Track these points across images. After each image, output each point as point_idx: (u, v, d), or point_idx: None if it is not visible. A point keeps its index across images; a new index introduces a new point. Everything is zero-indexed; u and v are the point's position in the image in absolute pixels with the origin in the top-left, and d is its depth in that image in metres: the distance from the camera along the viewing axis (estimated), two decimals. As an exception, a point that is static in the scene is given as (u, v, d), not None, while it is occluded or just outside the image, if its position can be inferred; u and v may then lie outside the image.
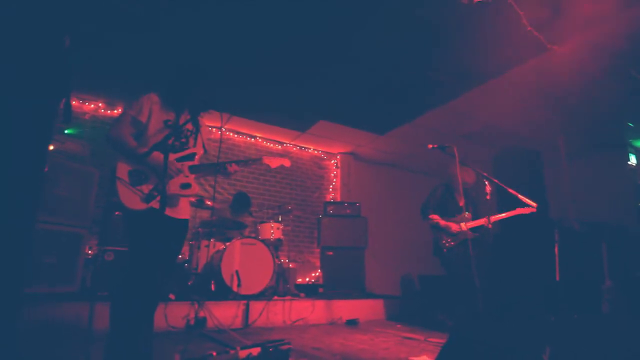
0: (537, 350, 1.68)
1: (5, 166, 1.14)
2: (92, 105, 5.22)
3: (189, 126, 2.24)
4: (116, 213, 4.03)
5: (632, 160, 5.80)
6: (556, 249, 4.10)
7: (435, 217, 3.78)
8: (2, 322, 1.12)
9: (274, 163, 2.50)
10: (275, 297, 4.36)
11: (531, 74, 4.21)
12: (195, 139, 2.29)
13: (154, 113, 2.14)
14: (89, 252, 4.16)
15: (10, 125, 1.15)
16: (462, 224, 3.64)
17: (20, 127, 1.17)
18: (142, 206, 2.02)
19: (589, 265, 3.97)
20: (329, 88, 4.77)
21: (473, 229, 3.66)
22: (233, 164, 2.28)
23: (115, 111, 5.31)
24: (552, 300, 3.86)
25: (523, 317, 3.60)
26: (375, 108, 5.33)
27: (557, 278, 4.00)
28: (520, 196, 3.46)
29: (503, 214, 3.65)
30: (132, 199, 2.01)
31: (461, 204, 3.75)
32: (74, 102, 5.09)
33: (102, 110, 5.27)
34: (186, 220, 2.27)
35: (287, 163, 2.57)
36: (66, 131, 4.67)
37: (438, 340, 3.37)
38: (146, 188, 2.05)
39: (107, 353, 1.93)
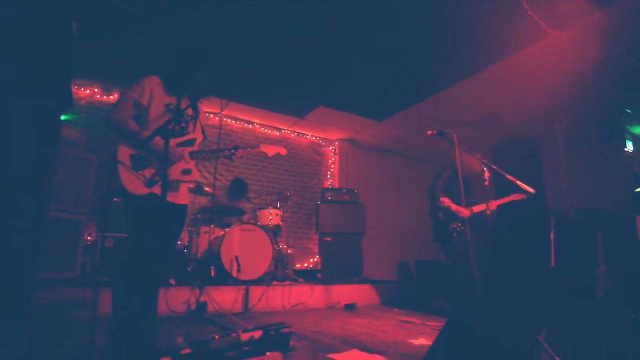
0: (533, 333, 1.72)
1: (16, 158, 1.13)
2: (88, 91, 5.15)
3: (190, 111, 2.23)
4: (115, 200, 4.03)
5: (630, 147, 5.83)
6: (552, 236, 4.15)
7: (447, 201, 3.71)
8: (13, 311, 1.13)
9: (271, 151, 2.55)
10: (275, 283, 4.41)
11: (531, 61, 4.18)
12: (195, 124, 2.29)
13: (155, 96, 2.12)
14: (88, 238, 4.17)
15: (19, 117, 1.14)
16: (471, 209, 3.66)
17: (29, 118, 1.16)
18: (144, 191, 2.02)
19: (585, 252, 4.02)
20: (328, 74, 4.72)
21: (476, 214, 3.69)
22: (240, 150, 2.30)
23: (112, 97, 5.25)
24: (547, 286, 3.92)
25: (520, 301, 3.67)
26: (375, 94, 5.29)
27: (553, 264, 4.05)
28: (518, 182, 3.50)
29: (501, 200, 3.71)
30: (134, 183, 2.01)
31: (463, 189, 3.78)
32: (69, 88, 5.05)
33: (98, 96, 5.21)
34: (185, 206, 2.29)
35: (283, 152, 2.62)
36: (63, 118, 4.62)
37: (435, 324, 3.44)
38: (148, 173, 2.05)
39: (111, 338, 1.95)
